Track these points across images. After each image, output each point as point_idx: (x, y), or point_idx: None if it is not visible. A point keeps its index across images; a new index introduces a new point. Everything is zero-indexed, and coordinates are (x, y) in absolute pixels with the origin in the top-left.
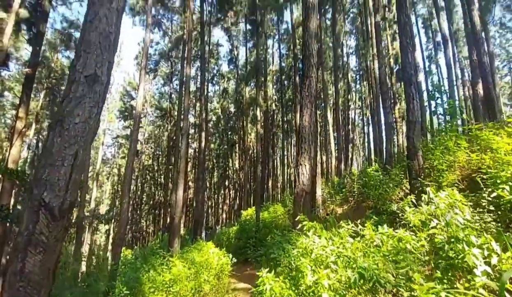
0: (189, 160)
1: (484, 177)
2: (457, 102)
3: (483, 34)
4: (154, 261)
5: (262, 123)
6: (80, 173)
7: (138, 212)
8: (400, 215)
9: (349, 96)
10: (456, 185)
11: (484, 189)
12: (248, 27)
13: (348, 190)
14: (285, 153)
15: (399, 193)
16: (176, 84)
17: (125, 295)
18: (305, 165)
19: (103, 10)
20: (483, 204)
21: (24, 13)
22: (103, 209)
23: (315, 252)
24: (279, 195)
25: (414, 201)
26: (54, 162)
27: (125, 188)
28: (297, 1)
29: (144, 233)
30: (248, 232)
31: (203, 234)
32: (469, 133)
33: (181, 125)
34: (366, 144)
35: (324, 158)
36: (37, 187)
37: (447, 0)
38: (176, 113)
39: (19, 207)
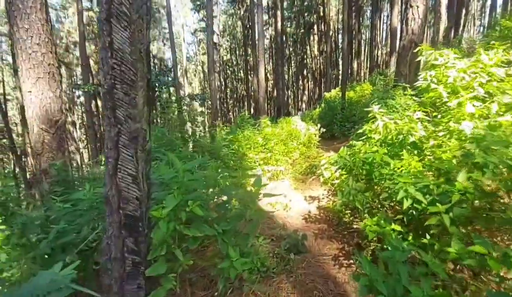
0: (265, 50)
1: None
2: None
3: None
4: (246, 126)
5: None
6: None
7: (224, 105)
8: None
9: None
10: None
11: None
12: None
13: None
14: (375, 32)
15: None
16: None
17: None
18: (417, 6)
19: None
20: None
21: None
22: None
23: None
24: (366, 79)
25: None
26: None
27: (211, 77)
28: None
29: (232, 124)
30: (333, 110)
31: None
32: None
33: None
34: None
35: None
36: None
37: None
38: None
39: None
